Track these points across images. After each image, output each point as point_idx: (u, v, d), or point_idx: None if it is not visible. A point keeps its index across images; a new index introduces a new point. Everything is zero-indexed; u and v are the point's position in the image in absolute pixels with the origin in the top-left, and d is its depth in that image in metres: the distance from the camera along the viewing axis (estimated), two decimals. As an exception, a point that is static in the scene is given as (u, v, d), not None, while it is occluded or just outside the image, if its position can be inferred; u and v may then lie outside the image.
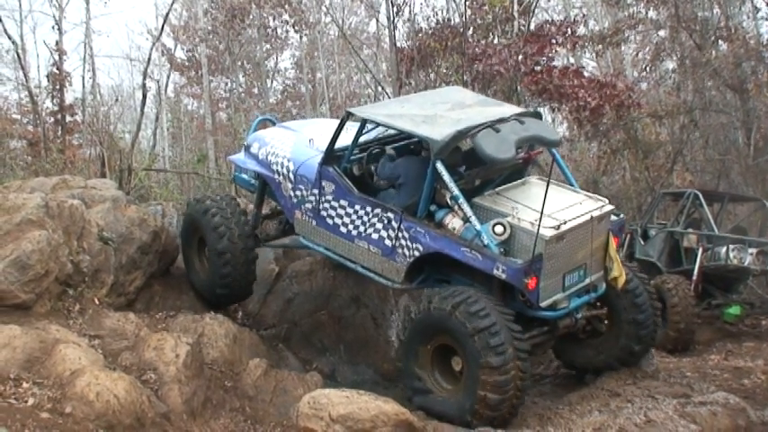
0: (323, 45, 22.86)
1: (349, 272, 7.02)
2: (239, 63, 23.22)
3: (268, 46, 23.96)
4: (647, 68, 17.22)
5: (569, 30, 12.95)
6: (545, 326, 5.84)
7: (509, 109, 6.35)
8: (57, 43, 17.39)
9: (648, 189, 13.93)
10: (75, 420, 4.56)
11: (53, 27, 17.50)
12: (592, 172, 14.87)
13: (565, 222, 5.52)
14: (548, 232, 5.39)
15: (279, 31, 22.05)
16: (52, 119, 17.03)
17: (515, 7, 12.88)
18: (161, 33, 17.06)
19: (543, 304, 5.56)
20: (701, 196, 9.99)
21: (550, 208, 5.51)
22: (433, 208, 5.91)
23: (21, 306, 5.72)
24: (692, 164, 15.45)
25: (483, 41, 12.91)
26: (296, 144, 6.95)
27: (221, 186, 12.75)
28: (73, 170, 12.02)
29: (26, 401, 4.62)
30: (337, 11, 21.98)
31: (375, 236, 6.13)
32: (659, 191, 12.10)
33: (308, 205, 6.63)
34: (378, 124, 6.36)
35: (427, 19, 14.29)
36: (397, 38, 13.88)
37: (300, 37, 22.34)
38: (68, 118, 17.26)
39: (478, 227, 5.53)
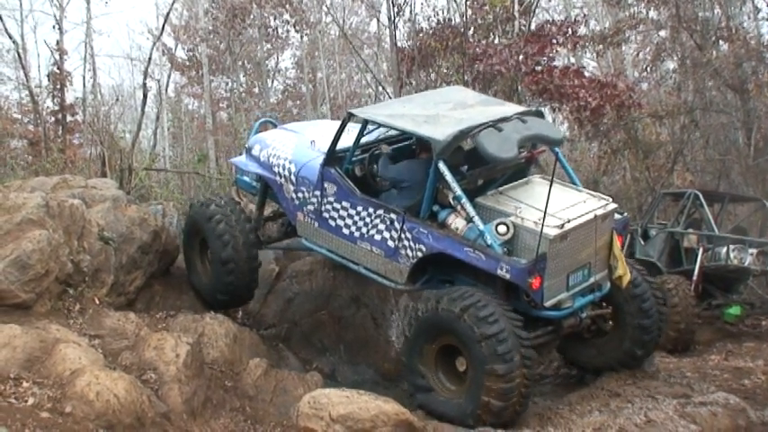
0: (324, 45, 22.84)
1: (349, 272, 7.01)
2: (240, 63, 23.20)
3: (269, 46, 23.94)
4: (648, 68, 17.20)
5: (570, 30, 12.92)
6: (549, 325, 5.81)
7: (511, 108, 6.34)
8: (57, 43, 17.38)
9: (649, 189, 13.92)
10: (75, 420, 4.56)
11: (54, 27, 17.51)
12: (592, 172, 14.85)
13: (568, 221, 5.50)
14: (551, 231, 5.37)
15: (279, 30, 22.00)
16: (53, 118, 17.03)
17: (516, 7, 12.86)
18: (162, 33, 17.05)
19: (547, 304, 5.54)
20: (701, 196, 9.98)
21: (554, 207, 5.49)
22: (435, 208, 5.89)
23: (21, 306, 5.73)
24: (693, 164, 15.43)
25: (484, 41, 12.89)
26: (297, 146, 6.94)
27: (221, 186, 12.74)
28: (73, 170, 12.01)
29: (26, 401, 4.62)
30: (338, 11, 21.96)
31: (378, 237, 6.11)
32: (659, 191, 12.08)
33: (310, 207, 6.61)
34: (379, 125, 6.34)
35: (428, 19, 14.27)
36: (397, 38, 13.88)
37: (301, 37, 22.33)
38: (69, 117, 17.25)
39: (482, 227, 5.51)
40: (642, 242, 10.43)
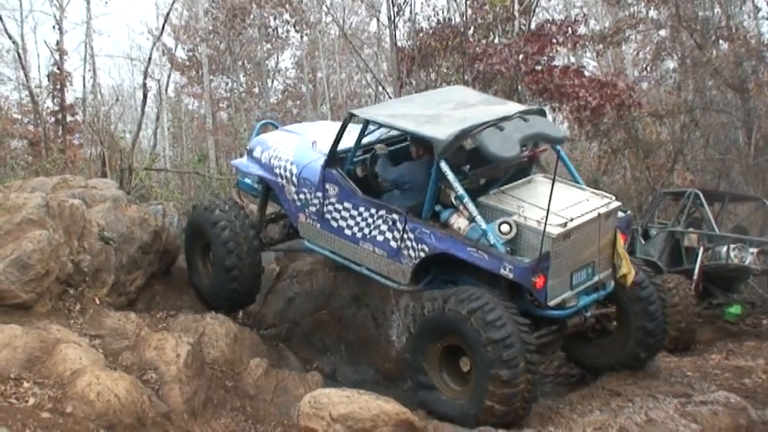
0: (324, 45, 22.83)
1: (350, 271, 7.01)
2: (240, 63, 23.19)
3: (269, 46, 23.93)
4: (648, 68, 17.20)
5: (570, 29, 12.91)
6: (553, 325, 5.79)
7: (513, 107, 6.31)
8: (57, 43, 17.37)
9: (649, 188, 13.91)
10: (75, 420, 4.56)
11: (54, 27, 17.50)
12: (592, 171, 14.84)
13: (571, 220, 5.47)
14: (554, 230, 5.35)
15: (279, 30, 21.99)
16: (53, 118, 17.02)
17: (516, 7, 12.86)
18: (162, 33, 17.02)
19: (551, 303, 5.51)
20: (701, 196, 9.98)
21: (557, 206, 5.46)
22: (437, 208, 5.87)
23: (21, 306, 5.72)
24: (693, 163, 15.43)
25: (484, 41, 12.88)
26: (299, 147, 6.92)
27: (222, 186, 12.75)
28: (73, 170, 12.01)
29: (27, 401, 4.62)
30: (338, 10, 21.97)
31: (380, 238, 6.09)
32: (660, 190, 12.07)
33: (312, 208, 6.59)
34: (380, 125, 6.33)
35: (428, 18, 14.28)
36: (397, 37, 13.87)
37: (301, 37, 22.32)
38: (69, 118, 17.24)
39: (484, 226, 5.50)
40: (643, 241, 10.43)
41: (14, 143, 15.93)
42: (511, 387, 5.12)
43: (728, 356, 7.96)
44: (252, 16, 20.25)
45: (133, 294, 7.08)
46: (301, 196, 6.69)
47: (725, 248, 9.26)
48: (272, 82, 26.06)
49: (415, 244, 5.84)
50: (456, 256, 5.61)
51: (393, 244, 6.00)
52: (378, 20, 20.81)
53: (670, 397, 5.68)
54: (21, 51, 17.02)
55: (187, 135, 23.79)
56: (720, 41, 15.27)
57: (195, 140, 23.25)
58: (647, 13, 15.91)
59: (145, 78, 14.51)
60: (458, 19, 13.76)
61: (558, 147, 6.31)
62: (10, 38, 15.93)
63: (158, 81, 22.37)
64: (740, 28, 15.29)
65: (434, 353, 5.60)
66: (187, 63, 23.90)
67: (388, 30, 14.44)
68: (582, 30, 14.11)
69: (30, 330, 5.25)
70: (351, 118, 6.31)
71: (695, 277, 9.23)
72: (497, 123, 5.73)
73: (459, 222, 5.72)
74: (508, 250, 5.44)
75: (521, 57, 11.83)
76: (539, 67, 12.09)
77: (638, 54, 18.81)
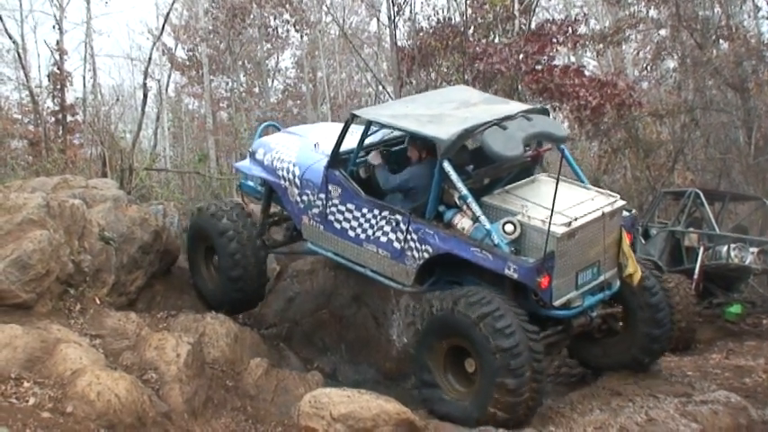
0: (324, 44, 22.83)
1: (350, 271, 7.00)
2: (240, 62, 23.18)
3: (269, 45, 23.94)
4: (648, 67, 17.19)
5: (570, 29, 12.92)
6: (559, 325, 5.76)
7: (515, 106, 6.28)
8: (57, 43, 17.38)
9: (649, 188, 13.92)
10: (76, 420, 4.56)
11: (54, 27, 17.52)
12: (593, 171, 14.82)
13: (576, 219, 5.44)
14: (559, 230, 5.31)
15: (280, 30, 22.00)
16: (53, 118, 17.03)
17: (516, 6, 12.87)
18: (162, 33, 17.03)
19: (557, 303, 5.47)
20: (701, 195, 9.98)
21: (561, 205, 5.42)
22: (441, 208, 5.83)
23: (22, 306, 5.72)
24: (693, 163, 15.43)
25: (484, 40, 12.89)
26: (301, 149, 6.89)
27: (222, 186, 12.76)
28: (74, 170, 12.03)
29: (27, 401, 4.62)
30: (338, 10, 21.98)
31: (384, 239, 6.06)
32: (660, 190, 12.08)
33: (315, 210, 6.56)
34: (383, 125, 6.30)
35: (428, 18, 14.28)
36: (397, 37, 13.88)
37: (301, 36, 22.32)
38: (69, 118, 17.25)
39: (488, 226, 5.46)
40: (643, 241, 10.42)
41: (15, 143, 15.95)
42: (516, 396, 5.09)
43: (729, 356, 7.96)
44: (252, 16, 20.25)
45: (133, 294, 7.07)
46: (304, 198, 6.66)
47: (725, 248, 9.26)
48: (273, 82, 26.08)
49: (418, 245, 5.81)
50: (460, 256, 5.57)
51: (397, 245, 5.96)
52: (378, 19, 20.83)
53: (670, 396, 5.68)
54: (21, 51, 17.02)
55: (187, 135, 23.81)
56: (720, 41, 15.28)
57: (195, 140, 23.27)
58: (648, 12, 15.91)
59: (145, 78, 14.53)
60: (458, 18, 13.77)
61: (562, 146, 6.29)
62: (10, 38, 15.95)
63: (158, 81, 22.39)
64: (740, 27, 15.30)
65: (440, 351, 5.55)
66: (187, 63, 23.90)
67: (388, 29, 14.45)
68: (582, 29, 14.11)
69: (30, 330, 5.25)
70: (353, 119, 6.28)
71: (695, 277, 9.23)
72: (500, 123, 5.70)
73: (463, 222, 5.69)
74: (512, 250, 5.40)
75: (521, 56, 11.83)
76: (539, 67, 12.10)
77: (638, 54, 18.81)
